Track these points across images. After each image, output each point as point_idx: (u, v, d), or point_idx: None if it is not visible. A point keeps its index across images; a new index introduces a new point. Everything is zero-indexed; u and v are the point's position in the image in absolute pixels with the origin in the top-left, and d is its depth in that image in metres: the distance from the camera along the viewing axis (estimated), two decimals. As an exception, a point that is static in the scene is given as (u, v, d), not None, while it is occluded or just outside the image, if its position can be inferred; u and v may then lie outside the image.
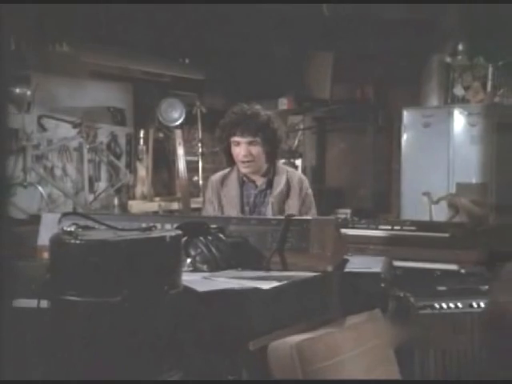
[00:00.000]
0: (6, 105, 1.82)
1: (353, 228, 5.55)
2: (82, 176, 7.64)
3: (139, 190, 7.89)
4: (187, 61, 7.89)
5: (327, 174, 9.67)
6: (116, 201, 7.78)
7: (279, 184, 4.10)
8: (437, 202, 6.68)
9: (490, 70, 7.40)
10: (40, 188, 7.11)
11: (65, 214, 2.75)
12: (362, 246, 4.81)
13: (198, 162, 8.04)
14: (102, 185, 7.87)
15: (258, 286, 2.66)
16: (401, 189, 7.88)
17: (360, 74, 8.91)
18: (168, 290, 2.41)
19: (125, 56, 7.45)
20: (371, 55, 8.12)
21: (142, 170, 7.96)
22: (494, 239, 5.86)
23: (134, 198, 7.84)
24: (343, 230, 5.32)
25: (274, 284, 2.72)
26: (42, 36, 6.33)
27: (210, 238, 3.08)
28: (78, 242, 2.35)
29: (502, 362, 3.38)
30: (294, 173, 4.32)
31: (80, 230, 2.53)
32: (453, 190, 7.23)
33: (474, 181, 7.45)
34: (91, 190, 7.72)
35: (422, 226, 5.74)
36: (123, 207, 7.63)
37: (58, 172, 7.57)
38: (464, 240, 5.36)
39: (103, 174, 7.93)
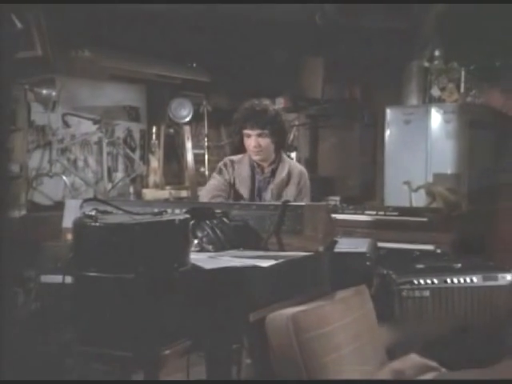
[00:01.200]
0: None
1: (342, 213, 5.57)
2: (102, 167, 7.64)
3: (152, 179, 7.87)
4: (195, 65, 7.87)
5: (319, 165, 9.65)
6: (131, 189, 7.80)
7: (281, 174, 4.10)
8: (416, 190, 6.66)
9: (463, 73, 7.38)
10: (64, 178, 7.10)
11: (86, 200, 2.74)
12: (350, 229, 4.82)
13: (204, 154, 8.01)
14: (119, 175, 7.86)
15: (258, 264, 2.66)
16: (384, 178, 7.84)
17: (348, 77, 8.89)
18: (178, 268, 2.42)
19: (139, 60, 7.43)
20: (358, 60, 8.09)
21: (155, 162, 7.94)
22: (466, 223, 5.87)
23: (147, 186, 7.82)
24: (333, 215, 5.35)
25: (272, 262, 2.72)
26: (66, 43, 6.32)
27: (215, 221, 3.07)
28: (97, 224, 2.35)
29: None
30: (295, 165, 4.33)
31: (99, 214, 2.52)
32: (430, 180, 7.21)
33: (449, 171, 7.43)
34: (109, 179, 7.71)
35: (402, 211, 5.75)
36: (138, 195, 7.64)
37: (80, 163, 7.56)
38: (440, 224, 5.37)
39: (120, 166, 7.91)
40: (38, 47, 3.46)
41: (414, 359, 1.67)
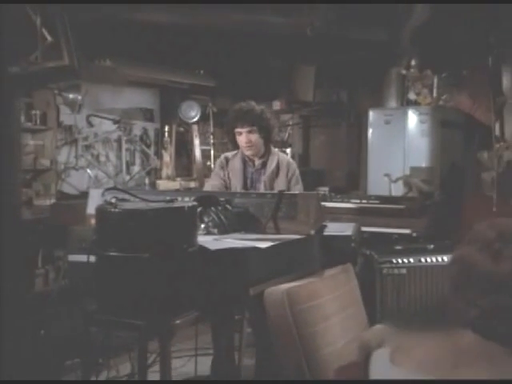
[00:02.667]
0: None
1: (330, 201, 5.53)
2: (121, 161, 7.63)
3: (164, 172, 7.84)
4: (202, 72, 7.84)
5: (311, 159, 9.64)
6: (147, 180, 7.78)
7: (271, 166, 4.05)
8: (395, 182, 6.64)
9: (436, 80, 7.36)
10: (88, 171, 7.12)
11: (107, 189, 2.73)
12: (338, 216, 4.78)
13: (210, 150, 7.96)
14: (136, 168, 7.84)
15: (257, 245, 2.67)
16: (367, 171, 7.81)
17: (336, 83, 8.87)
18: (187, 248, 2.43)
19: (153, 68, 7.40)
20: (345, 68, 8.08)
21: (167, 157, 7.89)
22: (438, 210, 5.86)
23: (160, 178, 7.78)
24: (323, 203, 5.33)
25: (269, 244, 2.71)
26: (90, 53, 6.31)
27: (219, 208, 3.07)
28: (116, 210, 2.36)
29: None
30: (283, 157, 4.28)
31: (119, 201, 2.51)
32: (407, 172, 7.19)
33: (423, 165, 7.41)
34: (128, 172, 7.70)
35: (383, 199, 5.73)
36: (152, 185, 7.60)
37: (102, 158, 7.54)
38: (415, 211, 5.35)
39: (137, 160, 7.89)
40: (65, 57, 3.42)
41: (379, 329, 1.66)
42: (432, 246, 4.64)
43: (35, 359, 4.15)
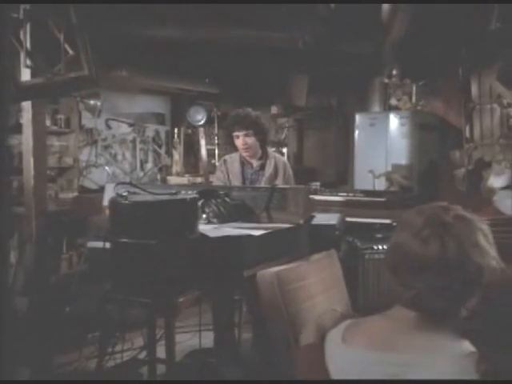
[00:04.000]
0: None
1: (321, 195, 5.54)
2: (135, 159, 7.64)
3: (174, 169, 7.83)
4: (207, 80, 7.82)
5: (304, 157, 9.62)
6: (159, 176, 7.78)
7: (269, 168, 4.02)
8: (378, 177, 6.64)
9: (414, 87, 7.36)
10: (106, 168, 7.12)
11: (119, 184, 2.73)
12: (327, 207, 4.79)
13: (214, 149, 7.95)
14: (149, 165, 7.84)
15: (251, 233, 2.66)
16: (354, 168, 7.83)
17: (327, 90, 8.87)
18: (188, 235, 2.43)
19: (165, 78, 7.37)
20: (335, 77, 8.08)
21: (176, 155, 7.88)
22: (416, 202, 5.86)
23: (171, 174, 7.77)
24: (314, 196, 5.32)
25: (262, 232, 2.71)
26: (109, 65, 6.32)
27: (219, 200, 3.07)
28: (127, 202, 2.37)
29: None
30: (280, 158, 4.23)
31: (130, 194, 2.53)
32: (389, 169, 7.20)
33: (403, 162, 7.40)
34: (141, 169, 7.70)
35: (367, 193, 5.71)
36: (163, 180, 7.60)
37: (119, 157, 7.54)
38: (396, 203, 5.36)
39: (150, 158, 7.89)
40: (85, 68, 3.43)
41: (334, 312, 1.66)
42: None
43: (61, 333, 4.19)
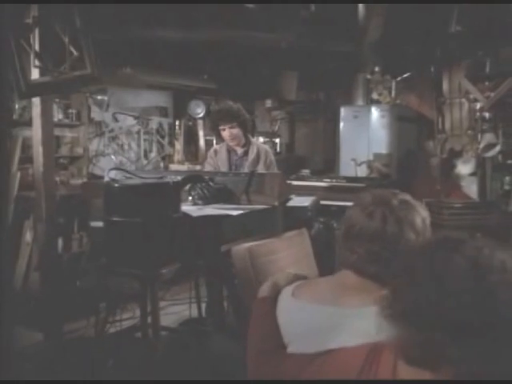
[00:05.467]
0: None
1: (309, 181, 5.64)
2: (140, 149, 7.70)
3: (176, 157, 7.91)
4: (205, 77, 7.87)
5: (295, 147, 9.63)
6: (162, 164, 7.84)
7: (252, 154, 4.10)
8: (359, 165, 6.71)
9: (394, 83, 7.41)
10: (112, 157, 7.20)
11: (111, 169, 2.83)
12: (313, 192, 4.87)
13: (212, 140, 8.00)
14: (152, 155, 7.88)
15: (229, 213, 2.73)
16: (340, 156, 7.89)
17: (315, 85, 8.90)
18: (172, 214, 2.50)
19: (167, 75, 7.41)
20: (322, 73, 8.13)
21: (178, 145, 7.97)
22: (394, 188, 5.94)
23: (172, 162, 7.86)
24: (302, 182, 5.40)
25: (240, 212, 2.79)
26: (115, 63, 6.38)
27: (204, 184, 3.14)
28: (117, 185, 2.45)
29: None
30: (261, 146, 4.32)
31: (124, 178, 2.62)
32: (371, 157, 7.24)
33: (384, 151, 7.46)
34: (146, 158, 7.76)
35: (348, 179, 5.81)
36: (166, 168, 7.64)
37: (125, 147, 7.60)
38: (373, 188, 5.44)
39: (154, 148, 7.92)
40: (88, 68, 3.52)
41: (289, 273, 1.75)
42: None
43: (71, 304, 4.31)
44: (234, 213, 2.76)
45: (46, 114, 3.82)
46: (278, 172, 3.79)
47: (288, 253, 2.76)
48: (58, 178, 5.67)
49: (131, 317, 4.35)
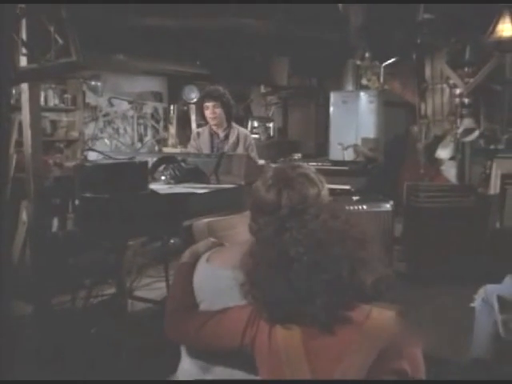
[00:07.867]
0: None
1: (298, 164, 5.82)
2: (135, 133, 7.86)
3: (170, 141, 8.04)
4: (198, 63, 7.91)
5: (288, 131, 9.77)
6: (156, 147, 7.96)
7: (232, 137, 4.26)
8: (346, 149, 6.75)
9: (382, 69, 7.54)
10: (106, 140, 7.37)
11: (86, 150, 3.04)
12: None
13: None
14: (147, 138, 8.03)
15: (195, 191, 2.94)
16: (329, 141, 8.03)
17: (307, 71, 9.01)
18: (139, 191, 2.69)
19: (162, 61, 7.50)
20: (313, 60, 8.22)
21: (172, 129, 8.09)
22: (380, 171, 6.11)
23: (167, 145, 7.99)
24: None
25: (206, 190, 3.01)
26: (108, 49, 6.51)
27: (176, 164, 3.32)
28: (88, 164, 2.68)
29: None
30: (242, 130, 4.46)
31: (102, 159, 2.82)
32: (359, 142, 7.37)
33: (371, 136, 7.59)
34: (141, 141, 7.91)
35: (334, 163, 5.98)
36: (160, 151, 7.78)
37: (121, 131, 7.76)
38: (356, 172, 5.62)
39: (148, 132, 8.08)
40: (73, 55, 3.72)
41: (210, 240, 1.88)
42: (357, 198, 4.97)
43: (67, 281, 4.53)
44: (200, 191, 2.96)
45: (33, 99, 4.03)
46: (243, 153, 3.98)
47: (246, 228, 2.93)
48: (51, 161, 5.89)
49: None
